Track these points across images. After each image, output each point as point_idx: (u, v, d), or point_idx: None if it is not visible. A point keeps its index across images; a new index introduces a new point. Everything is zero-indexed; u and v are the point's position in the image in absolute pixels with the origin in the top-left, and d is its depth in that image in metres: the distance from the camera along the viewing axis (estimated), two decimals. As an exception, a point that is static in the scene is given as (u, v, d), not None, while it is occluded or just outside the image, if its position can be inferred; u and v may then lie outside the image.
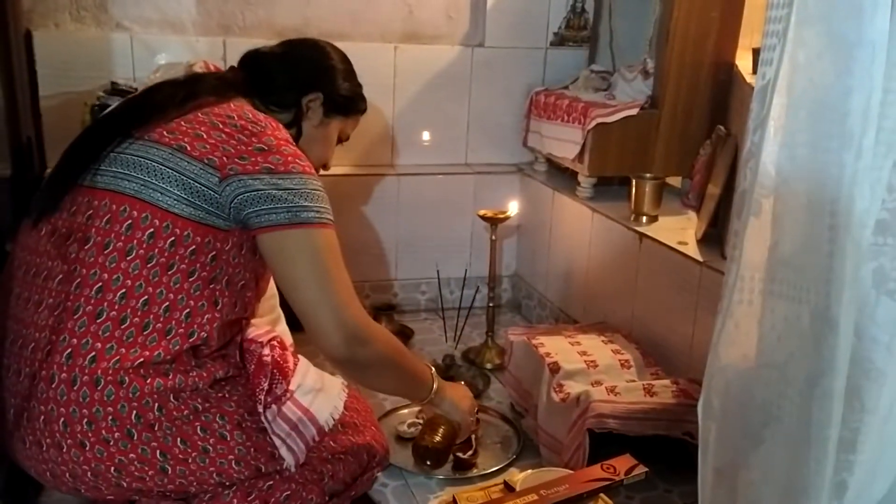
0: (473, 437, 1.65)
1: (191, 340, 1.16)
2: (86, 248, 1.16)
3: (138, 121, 1.24)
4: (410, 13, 2.32)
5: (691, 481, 1.51)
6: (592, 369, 1.63)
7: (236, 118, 1.23)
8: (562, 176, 2.32)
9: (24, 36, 1.93)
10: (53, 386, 1.11)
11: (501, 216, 2.05)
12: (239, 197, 1.17)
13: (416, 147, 2.42)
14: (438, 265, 2.32)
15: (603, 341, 1.75)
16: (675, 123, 2.01)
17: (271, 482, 1.24)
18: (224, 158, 1.18)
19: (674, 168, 2.07)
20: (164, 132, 1.21)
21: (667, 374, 1.66)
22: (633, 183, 1.92)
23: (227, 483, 1.21)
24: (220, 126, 1.21)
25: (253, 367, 1.29)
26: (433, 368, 1.48)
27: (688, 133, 2.01)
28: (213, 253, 1.19)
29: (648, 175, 1.94)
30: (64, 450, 1.12)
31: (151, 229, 1.16)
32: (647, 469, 1.34)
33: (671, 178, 2.12)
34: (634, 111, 1.99)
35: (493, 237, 2.07)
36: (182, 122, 1.22)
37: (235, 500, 1.22)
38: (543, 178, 2.37)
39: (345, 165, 2.33)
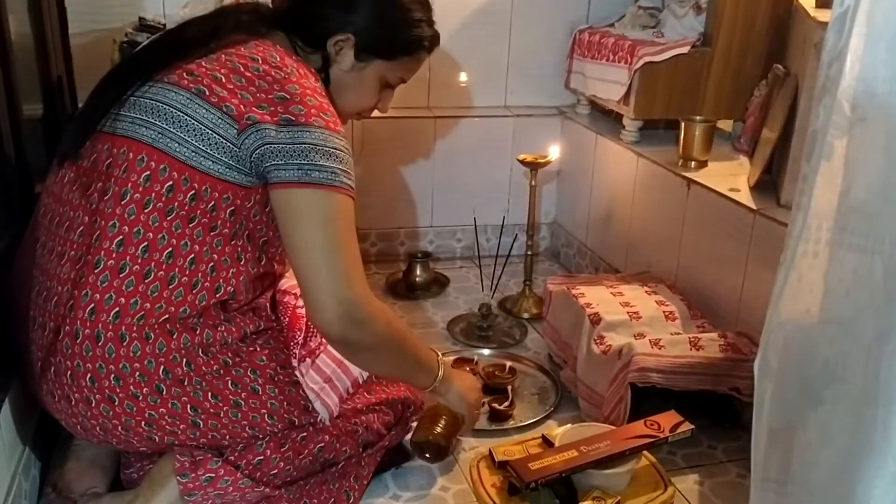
0: (510, 388, 1.61)
1: (217, 296, 1.12)
2: (105, 198, 1.11)
3: (161, 61, 1.16)
4: (448, -54, 2.22)
5: (736, 438, 1.48)
6: (635, 321, 1.57)
7: (260, 61, 1.13)
8: (605, 119, 2.23)
9: (51, -29, 1.88)
10: (78, 342, 1.08)
11: (541, 161, 1.98)
12: (258, 150, 1.09)
13: (454, 88, 2.33)
14: (475, 212, 2.25)
15: (646, 292, 1.68)
16: (728, 62, 1.91)
17: (305, 434, 1.22)
18: (242, 107, 1.09)
19: (725, 110, 1.97)
20: (184, 73, 1.13)
21: (714, 326, 1.59)
22: (682, 126, 1.83)
23: (261, 435, 1.19)
24: (241, 69, 1.12)
25: (287, 319, 1.26)
26: (440, 355, 1.35)
27: (742, 73, 1.91)
28: (232, 209, 1.12)
29: (698, 118, 1.85)
30: (93, 405, 1.10)
31: (170, 182, 1.10)
32: (692, 427, 1.29)
33: (722, 121, 2.03)
34: (685, 49, 1.89)
35: (533, 183, 2.00)
36: (203, 63, 1.14)
37: (269, 451, 1.19)
38: (586, 122, 2.27)
39: (379, 107, 2.26)
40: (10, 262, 1.26)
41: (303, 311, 1.27)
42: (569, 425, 1.33)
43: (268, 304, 1.24)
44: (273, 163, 1.09)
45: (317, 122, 1.10)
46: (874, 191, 0.85)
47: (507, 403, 1.57)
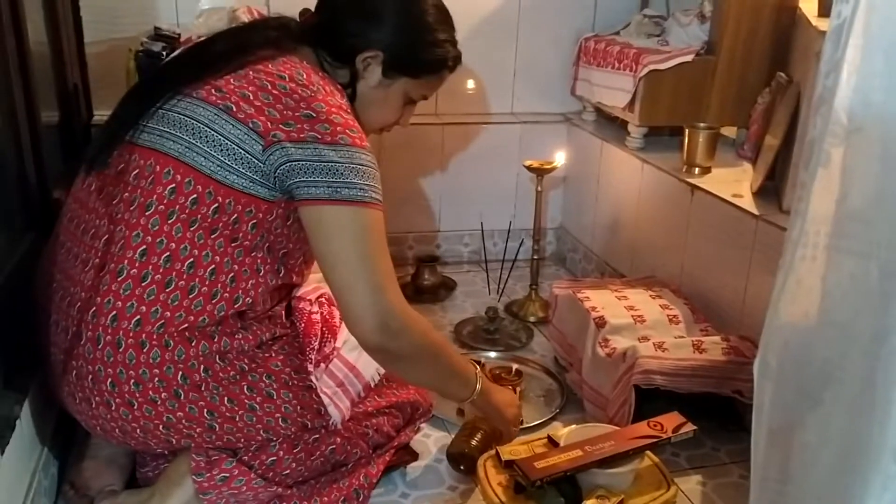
0: (517, 390, 1.63)
1: (236, 306, 1.15)
2: (130, 208, 1.13)
3: (190, 75, 1.18)
4: (456, -44, 2.25)
5: (739, 440, 1.50)
6: (640, 324, 1.60)
7: (287, 79, 1.15)
8: (611, 126, 2.26)
9: (68, -18, 1.92)
10: (100, 347, 1.11)
11: (548, 167, 2.01)
12: (283, 166, 1.11)
13: (462, 95, 2.36)
14: (482, 217, 2.29)
15: (651, 296, 1.71)
16: (732, 70, 1.93)
17: (317, 435, 1.25)
18: (269, 124, 1.11)
19: (729, 117, 1.99)
20: (213, 90, 1.15)
21: (717, 330, 1.61)
22: (686, 133, 1.85)
23: (274, 438, 1.21)
24: (269, 87, 1.14)
25: (303, 325, 1.28)
26: (478, 368, 1.35)
27: (745, 80, 1.93)
28: (254, 221, 1.14)
29: (702, 125, 1.87)
30: (113, 408, 1.13)
31: (195, 195, 1.12)
32: (695, 427, 1.31)
33: (726, 128, 2.05)
34: (689, 57, 1.92)
35: (539, 188, 2.03)
36: (231, 80, 1.16)
37: (281, 452, 1.22)
38: (592, 128, 2.30)
39: (388, 114, 2.30)
40: (31, 264, 1.29)
41: (317, 316, 1.30)
42: (574, 426, 1.35)
43: (283, 312, 1.27)
44: (301, 179, 1.11)
45: (343, 139, 1.12)
46: (870, 198, 0.88)
47: (513, 405, 1.59)
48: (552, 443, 1.31)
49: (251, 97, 1.13)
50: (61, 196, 1.52)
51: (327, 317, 1.33)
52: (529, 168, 2.02)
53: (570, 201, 2.46)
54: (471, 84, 2.36)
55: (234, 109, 1.13)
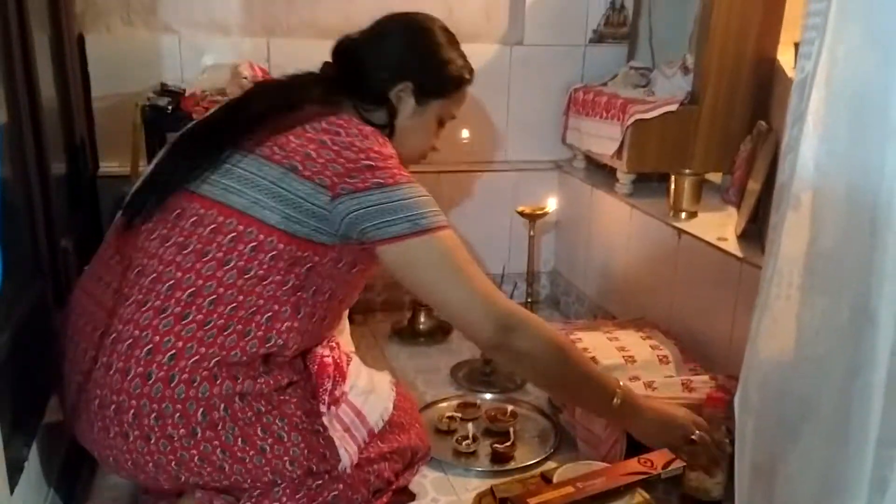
0: (511, 430, 1.67)
1: (268, 346, 1.19)
2: (184, 252, 1.20)
3: (243, 132, 1.25)
4: (451, 12, 2.33)
5: (729, 477, 1.52)
6: (630, 364, 1.64)
7: (343, 135, 1.24)
8: (600, 172, 2.32)
9: (77, 40, 2.00)
10: (129, 378, 1.15)
11: (540, 212, 2.06)
12: (353, 214, 1.20)
13: (456, 144, 2.43)
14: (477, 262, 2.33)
15: (641, 337, 1.75)
16: (715, 119, 2.00)
17: (320, 481, 1.27)
18: (334, 178, 1.20)
19: (714, 164, 2.05)
20: (276, 148, 1.23)
21: (705, 370, 1.65)
22: (673, 179, 1.91)
23: (279, 480, 1.24)
24: (329, 144, 1.23)
25: (316, 367, 1.32)
26: (622, 382, 1.36)
27: (728, 129, 2.00)
28: (310, 265, 1.22)
29: (688, 171, 1.93)
30: (130, 439, 1.16)
31: (254, 243, 1.19)
32: (684, 463, 1.34)
33: (711, 174, 2.12)
34: (674, 107, 1.99)
35: (532, 233, 2.08)
36: (292, 139, 1.23)
37: (285, 498, 1.24)
38: (582, 175, 2.37)
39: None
40: (39, 311, 1.33)
41: (329, 359, 1.33)
42: (567, 464, 1.38)
43: (300, 358, 1.30)
44: (376, 222, 1.20)
45: (401, 179, 1.23)
46: (838, 239, 0.93)
47: (508, 444, 1.62)
48: (545, 480, 1.33)
49: (314, 155, 1.21)
50: (68, 245, 1.57)
51: (337, 360, 1.36)
52: (522, 214, 2.07)
53: (562, 245, 2.52)
54: (465, 133, 2.43)
55: (300, 168, 1.21)
